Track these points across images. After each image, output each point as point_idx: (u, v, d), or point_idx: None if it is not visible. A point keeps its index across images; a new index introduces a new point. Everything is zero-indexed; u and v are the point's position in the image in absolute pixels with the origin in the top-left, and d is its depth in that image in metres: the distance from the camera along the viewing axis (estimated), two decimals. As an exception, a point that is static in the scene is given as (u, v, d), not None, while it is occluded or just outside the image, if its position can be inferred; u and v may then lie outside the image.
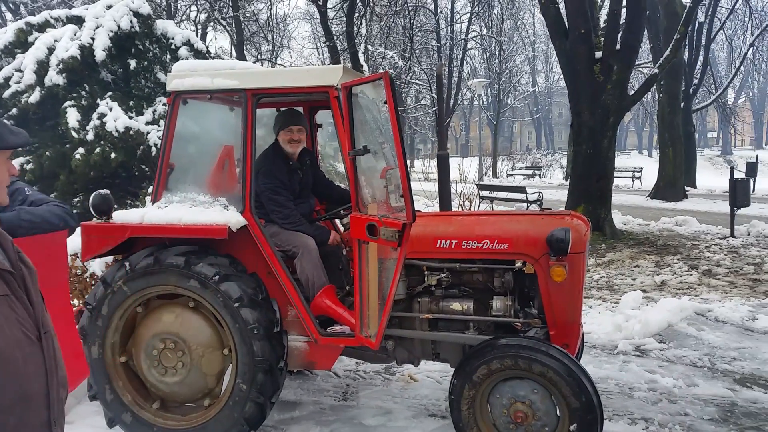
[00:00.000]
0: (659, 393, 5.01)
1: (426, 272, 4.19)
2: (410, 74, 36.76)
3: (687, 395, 4.96)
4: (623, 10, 13.34)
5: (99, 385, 4.23)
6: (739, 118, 52.71)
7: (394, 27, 31.41)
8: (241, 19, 25.57)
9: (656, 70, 13.46)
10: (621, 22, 12.96)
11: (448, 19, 39.50)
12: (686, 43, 21.53)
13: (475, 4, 35.06)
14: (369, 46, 25.00)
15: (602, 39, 12.69)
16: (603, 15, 15.48)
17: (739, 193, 12.78)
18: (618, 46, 12.40)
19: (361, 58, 20.45)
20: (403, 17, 29.88)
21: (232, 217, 4.03)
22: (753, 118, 64.91)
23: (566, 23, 12.83)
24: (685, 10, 13.68)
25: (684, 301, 7.36)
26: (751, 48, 26.34)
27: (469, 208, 12.49)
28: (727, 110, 29.99)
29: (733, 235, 12.61)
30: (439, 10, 38.39)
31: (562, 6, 12.94)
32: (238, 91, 4.09)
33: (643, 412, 4.68)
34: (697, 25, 21.86)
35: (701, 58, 23.38)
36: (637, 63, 24.42)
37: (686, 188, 21.66)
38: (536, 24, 46.72)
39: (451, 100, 41.64)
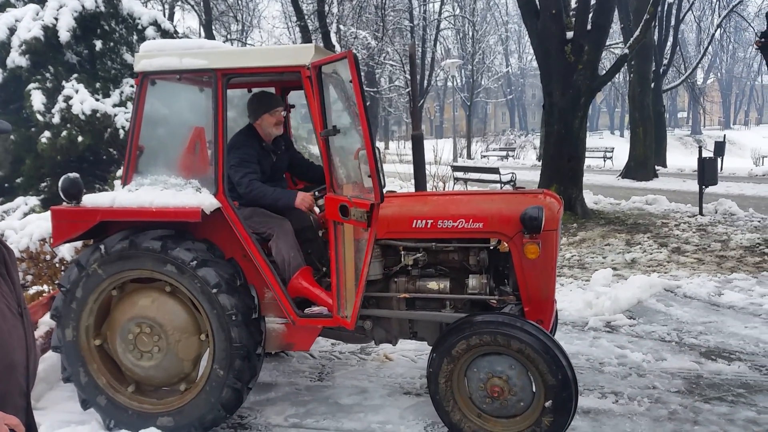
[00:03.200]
0: (629, 367, 5.13)
1: (402, 252, 4.23)
2: (384, 55, 36.57)
3: (656, 369, 5.09)
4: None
5: (73, 368, 4.18)
6: (708, 99, 53.59)
7: (366, 6, 31.15)
8: (210, -2, 25.09)
9: (626, 51, 13.58)
10: (592, 3, 13.02)
11: (422, -2, 39.29)
12: (656, 23, 21.75)
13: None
14: (341, 26, 24.75)
15: (573, 19, 12.75)
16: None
17: (707, 172, 13.03)
18: (589, 27, 12.47)
19: (333, 38, 20.25)
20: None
21: (205, 200, 3.97)
22: (721, 98, 66.09)
23: (537, 3, 12.85)
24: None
25: (653, 278, 7.52)
26: (719, 29, 26.72)
27: (443, 189, 12.53)
28: (696, 90, 30.50)
29: (701, 213, 12.87)
30: (411, -10, 38.13)
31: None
32: (208, 71, 4.01)
33: (612, 386, 4.79)
34: (666, 6, 22.07)
35: (671, 39, 23.65)
36: (608, 43, 24.63)
37: (657, 168, 22.01)
38: (509, 4, 46.72)
39: (425, 81, 41.60)
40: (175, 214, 3.94)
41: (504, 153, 36.82)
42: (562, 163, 13.04)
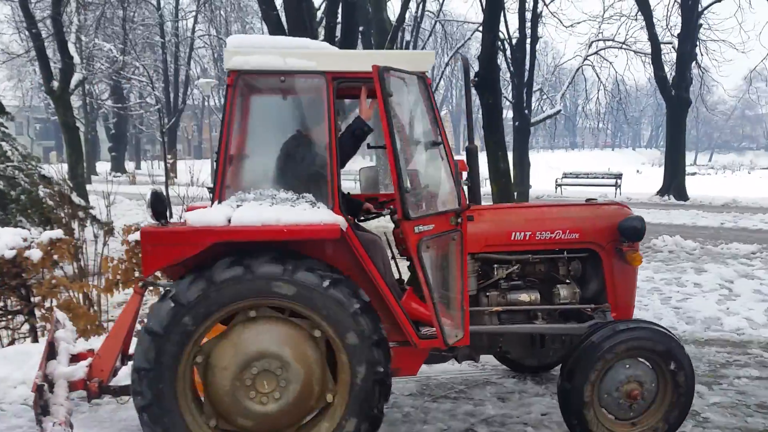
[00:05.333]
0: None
1: (495, 266, 4.24)
2: (132, 70, 34.41)
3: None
4: (338, 24, 14.25)
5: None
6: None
7: (111, 18, 29.06)
8: None
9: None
10: (337, 35, 13.82)
11: (173, 14, 37.91)
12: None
13: (200, 3, 34.22)
14: (82, 36, 22.68)
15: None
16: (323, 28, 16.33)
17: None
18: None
19: (72, 48, 18.42)
20: (121, 8, 27.84)
21: (330, 215, 3.50)
22: (452, 128, 74.59)
23: (287, 31, 13.25)
24: (392, 28, 15.15)
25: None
26: (447, 66, 30.23)
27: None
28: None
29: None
30: (162, 5, 36.60)
31: (282, 14, 13.35)
32: (317, 73, 3.62)
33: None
34: (404, 43, 24.33)
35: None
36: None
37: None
38: (264, 29, 47.27)
39: (179, 100, 39.99)
40: (310, 233, 3.44)
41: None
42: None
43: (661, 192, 23.96)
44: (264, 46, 3.70)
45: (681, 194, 23.11)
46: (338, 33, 13.62)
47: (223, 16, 35.84)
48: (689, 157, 40.05)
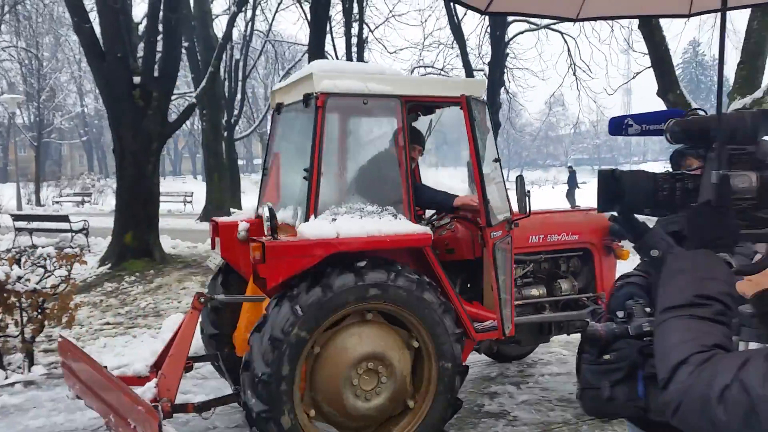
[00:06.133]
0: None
1: (514, 265, 4.65)
2: None
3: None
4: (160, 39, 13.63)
5: None
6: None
7: None
8: None
9: (194, 100, 14.17)
10: (159, 50, 13.21)
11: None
12: (226, 77, 23.33)
13: (3, 12, 30.89)
14: None
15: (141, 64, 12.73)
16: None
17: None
18: (156, 74, 12.61)
19: None
20: None
21: (414, 225, 4.06)
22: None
23: (102, 45, 12.41)
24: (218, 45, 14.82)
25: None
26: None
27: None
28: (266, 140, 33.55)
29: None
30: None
31: (97, 26, 12.47)
32: (393, 97, 4.11)
33: None
34: (234, 62, 23.91)
35: (240, 92, 25.65)
36: (183, 92, 25.35)
37: (233, 210, 23.37)
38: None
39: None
40: (407, 242, 3.99)
41: (80, 198, 34.05)
42: (138, 208, 12.76)
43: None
44: (346, 71, 4.19)
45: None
46: (160, 48, 13.02)
47: (32, 27, 32.53)
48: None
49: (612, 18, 5.13)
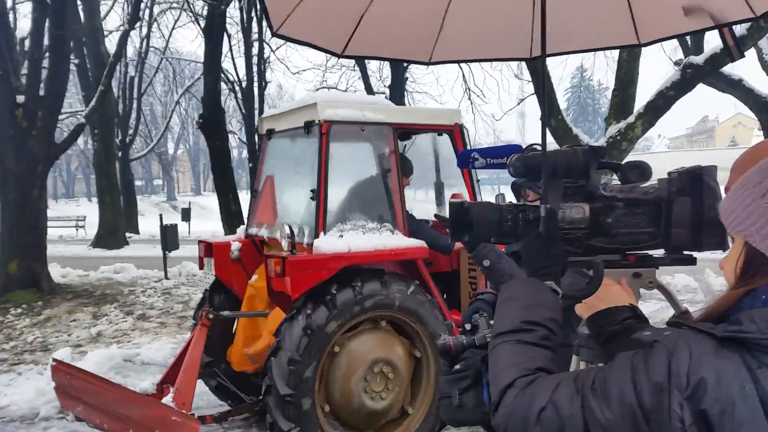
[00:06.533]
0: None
1: None
2: None
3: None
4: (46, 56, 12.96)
5: None
6: (179, 168, 57.79)
7: None
8: None
9: (84, 120, 13.54)
10: (44, 67, 12.56)
11: None
12: (120, 94, 22.46)
13: None
14: None
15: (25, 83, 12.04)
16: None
17: (170, 237, 14.00)
18: (42, 93, 11.97)
19: None
20: None
21: (409, 239, 4.44)
22: (191, 167, 72.29)
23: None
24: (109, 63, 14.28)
25: (113, 350, 7.52)
26: (178, 105, 29.42)
27: None
28: (167, 160, 32.56)
29: (166, 277, 13.67)
30: None
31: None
32: (386, 124, 4.57)
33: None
34: (128, 79, 23.07)
35: (135, 111, 24.76)
36: (76, 110, 24.10)
37: (129, 235, 22.39)
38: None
39: None
40: (407, 254, 4.40)
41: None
42: (23, 235, 11.98)
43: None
44: (346, 101, 4.66)
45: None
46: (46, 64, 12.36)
47: None
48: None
49: (462, 61, 5.65)
